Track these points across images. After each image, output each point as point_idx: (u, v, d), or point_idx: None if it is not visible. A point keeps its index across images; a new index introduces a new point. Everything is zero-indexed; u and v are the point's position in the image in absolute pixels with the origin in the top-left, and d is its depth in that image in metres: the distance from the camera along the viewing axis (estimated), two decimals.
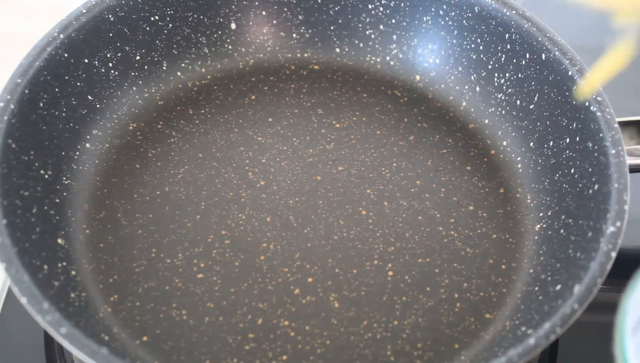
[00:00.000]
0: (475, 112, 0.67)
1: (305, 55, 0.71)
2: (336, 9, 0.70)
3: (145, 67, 0.66)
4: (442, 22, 0.67)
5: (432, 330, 0.53)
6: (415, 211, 0.60)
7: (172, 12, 0.67)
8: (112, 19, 0.63)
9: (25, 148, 0.54)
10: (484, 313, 0.54)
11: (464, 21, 0.66)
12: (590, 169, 0.55)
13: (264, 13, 0.70)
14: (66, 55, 0.59)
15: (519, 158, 0.63)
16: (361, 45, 0.71)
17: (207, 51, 0.69)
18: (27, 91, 0.55)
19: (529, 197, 0.61)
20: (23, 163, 0.54)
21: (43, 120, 0.57)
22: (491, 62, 0.65)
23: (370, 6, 0.70)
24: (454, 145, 0.65)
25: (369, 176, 0.62)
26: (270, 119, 0.66)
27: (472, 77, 0.67)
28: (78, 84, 0.61)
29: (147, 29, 0.66)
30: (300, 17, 0.71)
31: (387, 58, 0.70)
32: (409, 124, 0.66)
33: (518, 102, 0.64)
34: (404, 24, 0.69)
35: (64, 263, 0.53)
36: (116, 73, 0.64)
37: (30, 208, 0.53)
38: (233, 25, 0.70)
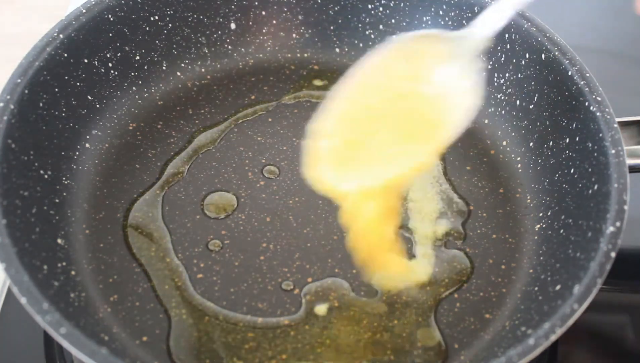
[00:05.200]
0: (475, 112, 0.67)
1: (305, 55, 0.71)
2: (336, 9, 0.70)
3: (145, 67, 0.66)
4: (442, 22, 0.67)
5: (432, 329, 0.53)
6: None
7: (172, 12, 0.67)
8: (112, 19, 0.63)
9: (25, 148, 0.54)
10: (483, 313, 0.54)
11: (464, 21, 0.66)
12: (590, 169, 0.55)
13: (263, 13, 0.70)
14: (66, 55, 0.59)
15: (518, 158, 0.63)
16: (361, 45, 0.71)
17: (207, 51, 0.69)
18: (27, 91, 0.55)
19: (528, 197, 0.61)
20: (23, 163, 0.54)
21: (43, 120, 0.57)
22: (491, 62, 0.65)
23: (370, 6, 0.70)
24: (454, 145, 0.65)
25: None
26: (270, 119, 0.66)
27: None
28: (78, 84, 0.61)
29: (147, 29, 0.66)
30: (300, 17, 0.71)
31: None
32: None
33: (518, 102, 0.64)
34: (404, 24, 0.69)
35: (64, 263, 0.53)
36: (116, 73, 0.64)
37: (30, 208, 0.53)
38: (233, 25, 0.70)
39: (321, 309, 0.54)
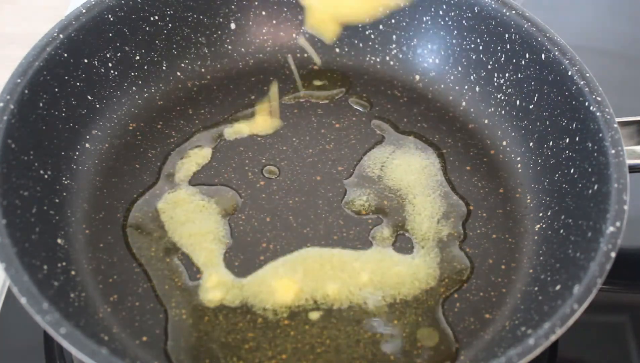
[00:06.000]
0: (475, 112, 0.67)
1: (305, 55, 0.71)
2: None
3: (145, 67, 0.66)
4: (442, 22, 0.67)
5: (432, 329, 0.53)
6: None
7: (172, 12, 0.67)
8: (112, 19, 0.63)
9: (25, 148, 0.54)
10: (483, 313, 0.54)
11: (464, 21, 0.66)
12: (590, 169, 0.55)
13: (263, 13, 0.70)
14: (66, 55, 0.59)
15: (518, 158, 0.63)
16: (361, 45, 0.71)
17: (207, 51, 0.69)
18: (27, 91, 0.55)
19: (528, 197, 0.61)
20: (23, 163, 0.54)
21: (43, 120, 0.57)
22: (491, 62, 0.65)
23: None
24: (454, 145, 0.65)
25: (369, 176, 0.62)
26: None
27: (472, 77, 0.67)
28: (78, 84, 0.61)
29: (147, 29, 0.66)
30: (300, 17, 0.71)
31: (387, 58, 0.70)
32: (408, 124, 0.66)
33: (518, 102, 0.64)
34: (404, 24, 0.69)
35: (64, 263, 0.53)
36: (116, 73, 0.64)
37: (30, 208, 0.53)
38: (233, 25, 0.70)
39: (317, 313, 0.54)
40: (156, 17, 0.66)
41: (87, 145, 0.61)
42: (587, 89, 0.57)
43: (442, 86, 0.69)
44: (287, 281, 0.54)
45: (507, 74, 0.64)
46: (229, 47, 0.70)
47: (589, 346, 0.59)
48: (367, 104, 0.68)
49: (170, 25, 0.67)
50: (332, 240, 0.58)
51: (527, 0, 0.81)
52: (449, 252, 0.57)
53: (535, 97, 0.62)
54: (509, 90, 0.64)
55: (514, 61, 0.63)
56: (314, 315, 0.53)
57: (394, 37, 0.70)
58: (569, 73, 0.58)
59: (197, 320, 0.53)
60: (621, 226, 0.49)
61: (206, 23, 0.69)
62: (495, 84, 0.65)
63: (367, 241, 0.58)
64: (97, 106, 0.63)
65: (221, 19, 0.69)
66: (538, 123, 0.62)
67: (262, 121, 0.66)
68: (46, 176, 0.56)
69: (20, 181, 0.53)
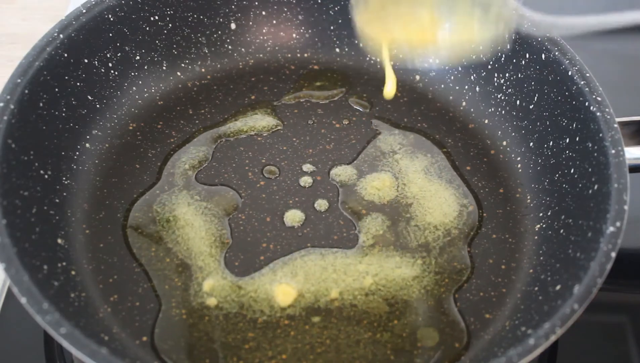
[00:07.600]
0: (475, 112, 0.67)
1: (305, 55, 0.71)
2: (336, 9, 0.70)
3: (145, 67, 0.66)
4: None
5: (432, 329, 0.53)
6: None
7: (172, 12, 0.67)
8: (112, 19, 0.63)
9: (25, 148, 0.54)
10: (483, 313, 0.54)
11: None
12: (590, 169, 0.55)
13: (263, 13, 0.70)
14: (66, 55, 0.59)
15: (518, 158, 0.63)
16: (361, 45, 0.71)
17: (207, 51, 0.69)
18: (27, 91, 0.55)
19: (528, 197, 0.61)
20: (23, 163, 0.54)
21: (43, 120, 0.57)
22: (491, 62, 0.65)
23: None
24: (454, 145, 0.65)
25: (369, 175, 0.62)
26: (270, 119, 0.66)
27: (472, 77, 0.67)
28: (78, 84, 0.61)
29: (147, 29, 0.66)
30: (300, 17, 0.71)
31: None
32: (409, 124, 0.66)
33: (518, 102, 0.64)
34: None
35: (64, 263, 0.53)
36: (116, 73, 0.64)
37: (30, 208, 0.53)
38: (233, 25, 0.70)
39: (318, 315, 0.54)
40: (156, 17, 0.66)
41: (87, 145, 0.61)
42: (587, 89, 0.57)
43: (442, 86, 0.69)
44: (287, 288, 0.54)
45: (507, 74, 0.64)
46: (229, 47, 0.70)
47: (589, 346, 0.59)
48: (367, 104, 0.68)
49: (170, 25, 0.67)
50: (332, 240, 0.58)
51: (527, 0, 0.81)
52: (449, 252, 0.57)
53: (535, 97, 0.62)
54: (509, 90, 0.64)
55: (514, 61, 0.63)
56: (315, 316, 0.53)
57: None
58: (569, 73, 0.58)
59: (197, 320, 0.53)
60: (621, 226, 0.49)
61: (206, 23, 0.69)
62: (495, 84, 0.65)
63: (367, 241, 0.58)
64: (97, 106, 0.63)
65: (221, 19, 0.69)
66: (538, 123, 0.62)
67: (262, 120, 0.66)
68: (46, 176, 0.56)
69: (20, 181, 0.53)
